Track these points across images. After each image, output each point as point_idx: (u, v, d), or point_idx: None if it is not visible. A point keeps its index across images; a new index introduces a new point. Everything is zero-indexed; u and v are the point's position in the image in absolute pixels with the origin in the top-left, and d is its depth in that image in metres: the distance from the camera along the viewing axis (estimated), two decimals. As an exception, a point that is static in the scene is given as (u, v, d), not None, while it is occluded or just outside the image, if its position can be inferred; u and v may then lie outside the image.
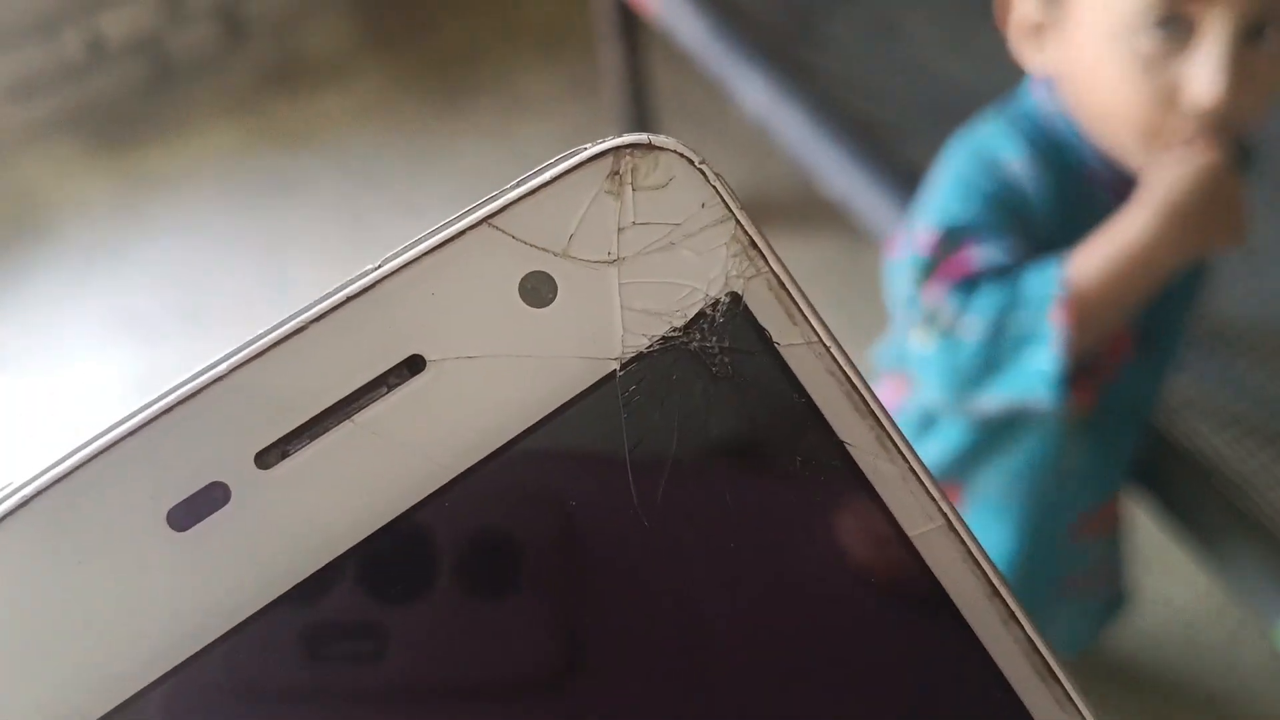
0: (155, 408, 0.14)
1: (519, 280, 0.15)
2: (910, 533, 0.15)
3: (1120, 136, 0.59)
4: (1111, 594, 0.84)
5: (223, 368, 0.14)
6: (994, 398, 0.61)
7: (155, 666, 0.14)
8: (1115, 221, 0.58)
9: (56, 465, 0.14)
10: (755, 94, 0.96)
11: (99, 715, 0.14)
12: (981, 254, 0.59)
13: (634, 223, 0.15)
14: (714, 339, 0.15)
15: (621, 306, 0.15)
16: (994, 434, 0.67)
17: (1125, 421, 0.69)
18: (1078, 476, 0.69)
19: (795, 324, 0.15)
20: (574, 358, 0.15)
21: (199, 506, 0.14)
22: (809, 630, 0.15)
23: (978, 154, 0.63)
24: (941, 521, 0.15)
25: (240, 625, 0.14)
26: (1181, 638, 1.04)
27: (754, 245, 0.15)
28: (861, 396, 0.15)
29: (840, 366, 0.15)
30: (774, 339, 0.15)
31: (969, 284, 0.59)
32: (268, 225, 1.41)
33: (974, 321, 0.60)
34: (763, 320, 0.15)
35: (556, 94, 1.51)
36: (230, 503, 0.14)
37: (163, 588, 0.14)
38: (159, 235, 1.41)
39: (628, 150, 0.15)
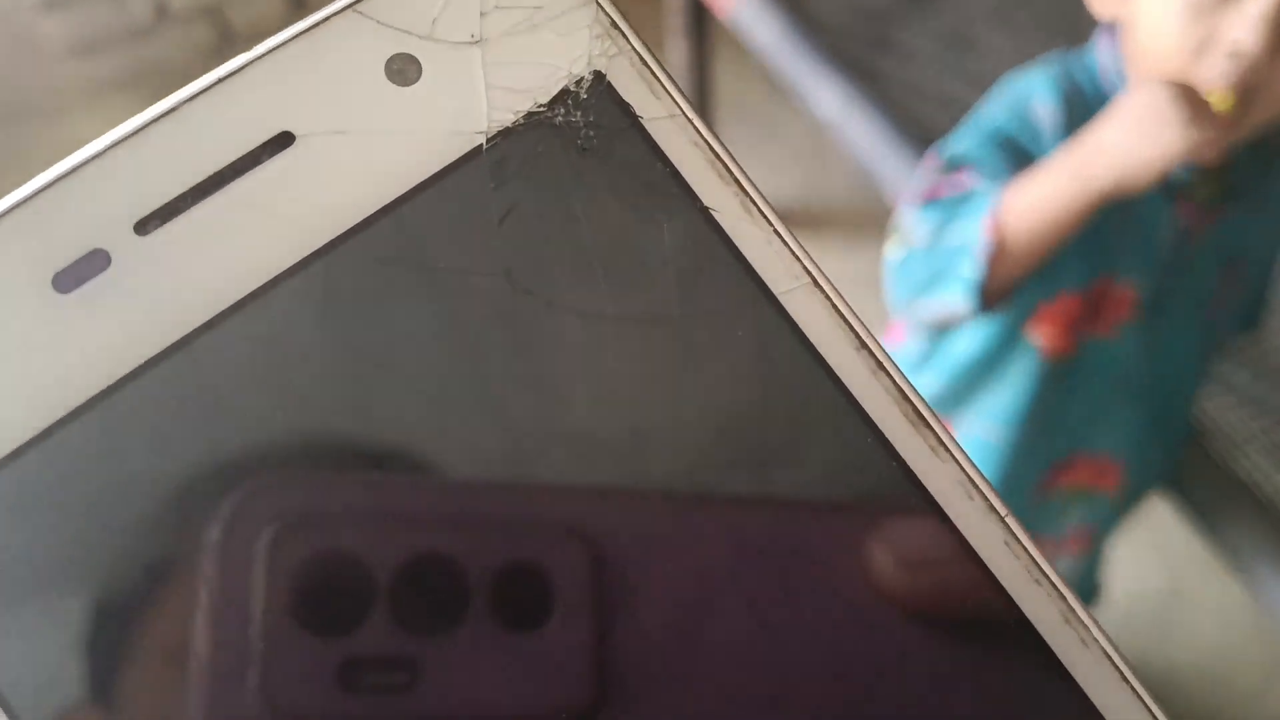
0: (39, 182, 0.15)
1: (385, 61, 0.16)
2: (776, 291, 0.16)
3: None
4: (1082, 573, 0.82)
5: (101, 144, 0.15)
6: (931, 305, 0.63)
7: (40, 419, 0.15)
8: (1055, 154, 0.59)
9: None
10: (826, 99, 0.96)
11: None
12: (967, 181, 0.61)
13: (496, 7, 0.16)
14: (579, 114, 0.16)
15: (486, 85, 0.16)
16: (973, 378, 0.68)
17: (1115, 383, 0.69)
18: (1051, 424, 0.69)
19: (658, 99, 0.16)
20: (441, 133, 0.16)
21: (82, 271, 0.15)
22: (678, 383, 0.16)
23: (1013, 94, 0.64)
24: (807, 280, 0.16)
25: (120, 380, 0.15)
26: (1212, 673, 1.03)
27: (615, 26, 0.16)
28: (725, 165, 0.16)
29: (703, 137, 0.16)
30: (638, 113, 0.16)
31: (933, 202, 0.62)
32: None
33: (921, 229, 0.63)
34: (626, 96, 0.16)
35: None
36: (111, 267, 0.15)
37: (49, 344, 0.15)
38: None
39: None
